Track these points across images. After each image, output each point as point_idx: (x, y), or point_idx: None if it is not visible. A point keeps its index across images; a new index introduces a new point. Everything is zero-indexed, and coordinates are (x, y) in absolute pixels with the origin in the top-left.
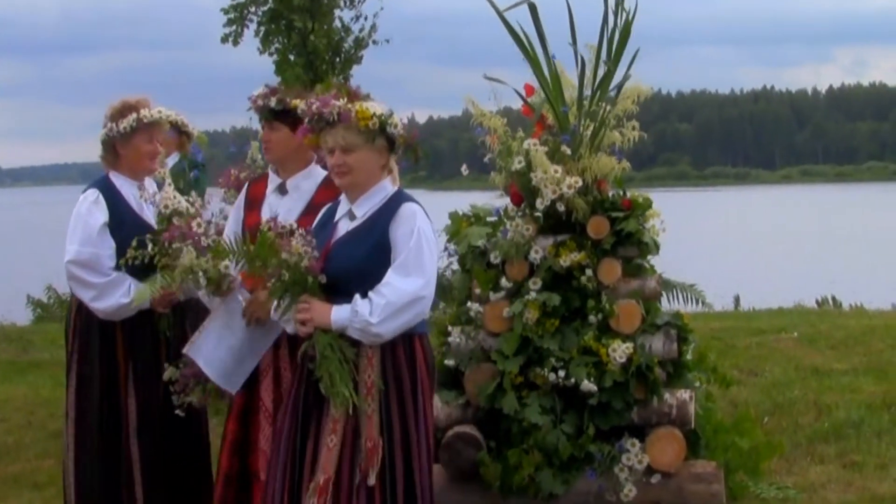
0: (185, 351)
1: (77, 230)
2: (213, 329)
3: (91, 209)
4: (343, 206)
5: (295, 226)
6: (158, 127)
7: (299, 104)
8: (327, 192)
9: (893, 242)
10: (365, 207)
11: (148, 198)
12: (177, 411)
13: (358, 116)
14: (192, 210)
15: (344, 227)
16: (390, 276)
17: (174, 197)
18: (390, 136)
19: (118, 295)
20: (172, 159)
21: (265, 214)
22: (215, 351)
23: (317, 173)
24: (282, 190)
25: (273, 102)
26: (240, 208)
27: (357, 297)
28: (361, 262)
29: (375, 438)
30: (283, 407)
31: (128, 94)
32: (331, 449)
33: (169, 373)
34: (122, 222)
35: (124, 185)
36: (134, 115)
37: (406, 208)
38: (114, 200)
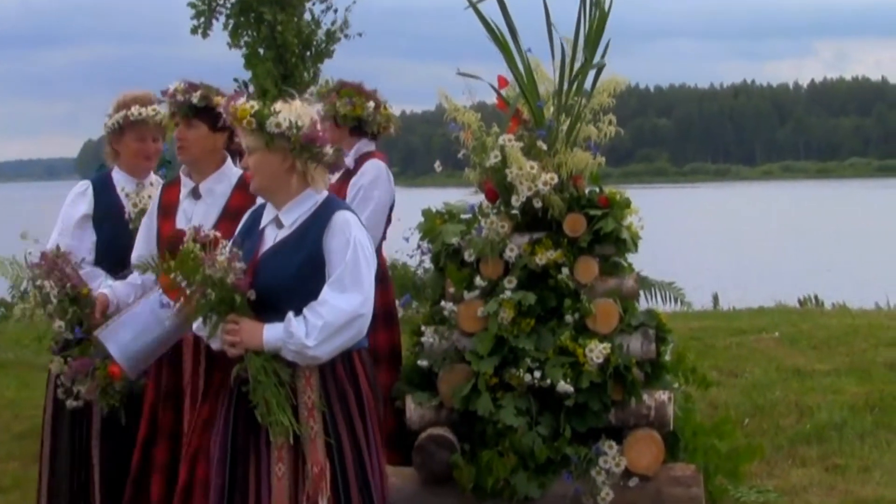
0: (96, 334)
1: (59, 221)
2: (133, 325)
3: (75, 201)
4: (269, 211)
5: (218, 235)
6: (147, 126)
7: (221, 102)
8: (242, 196)
9: (876, 240)
10: (294, 215)
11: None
12: (69, 403)
13: (237, 116)
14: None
15: (271, 235)
16: (327, 293)
17: (148, 197)
18: (288, 137)
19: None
20: None
21: (180, 222)
22: (131, 343)
23: (230, 175)
24: (195, 194)
25: (196, 98)
26: (153, 215)
27: (290, 315)
28: (292, 276)
29: (321, 463)
30: (215, 429)
31: (132, 89)
32: (280, 478)
33: (56, 366)
34: (107, 217)
35: (121, 181)
36: (123, 112)
37: (339, 217)
38: (105, 195)
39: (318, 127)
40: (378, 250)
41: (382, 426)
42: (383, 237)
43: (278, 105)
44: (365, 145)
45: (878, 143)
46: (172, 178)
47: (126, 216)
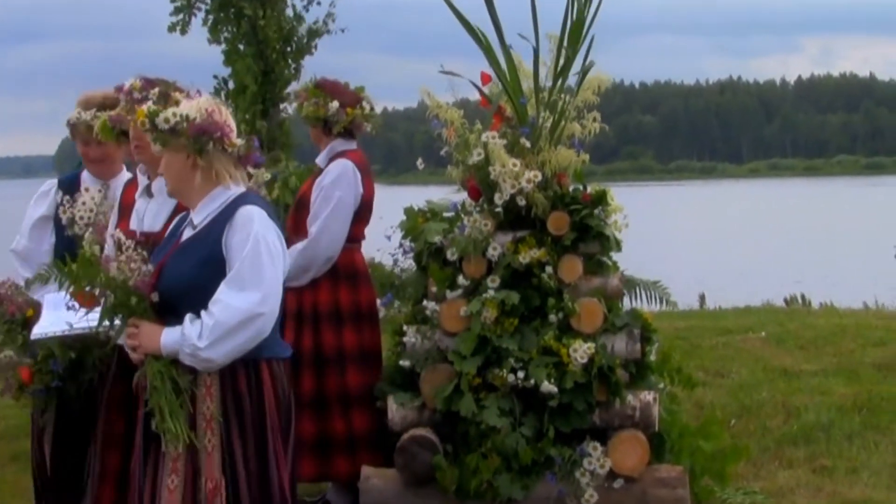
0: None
1: (24, 220)
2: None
3: (37, 201)
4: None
5: (124, 238)
6: (78, 130)
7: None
8: None
9: (864, 239)
10: (203, 214)
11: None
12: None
13: (136, 119)
14: (86, 219)
15: (186, 236)
16: (222, 291)
17: (83, 203)
18: (179, 132)
19: (42, 291)
20: None
21: (133, 221)
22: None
23: None
24: (148, 192)
25: (153, 96)
26: (114, 214)
27: (188, 317)
28: (191, 277)
29: (216, 478)
30: (136, 438)
31: (101, 87)
32: (172, 491)
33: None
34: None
35: (88, 182)
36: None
37: (242, 212)
38: (69, 195)
39: (216, 119)
40: (351, 250)
41: (298, 438)
42: (362, 236)
43: (183, 102)
44: (340, 144)
45: (866, 141)
46: (130, 179)
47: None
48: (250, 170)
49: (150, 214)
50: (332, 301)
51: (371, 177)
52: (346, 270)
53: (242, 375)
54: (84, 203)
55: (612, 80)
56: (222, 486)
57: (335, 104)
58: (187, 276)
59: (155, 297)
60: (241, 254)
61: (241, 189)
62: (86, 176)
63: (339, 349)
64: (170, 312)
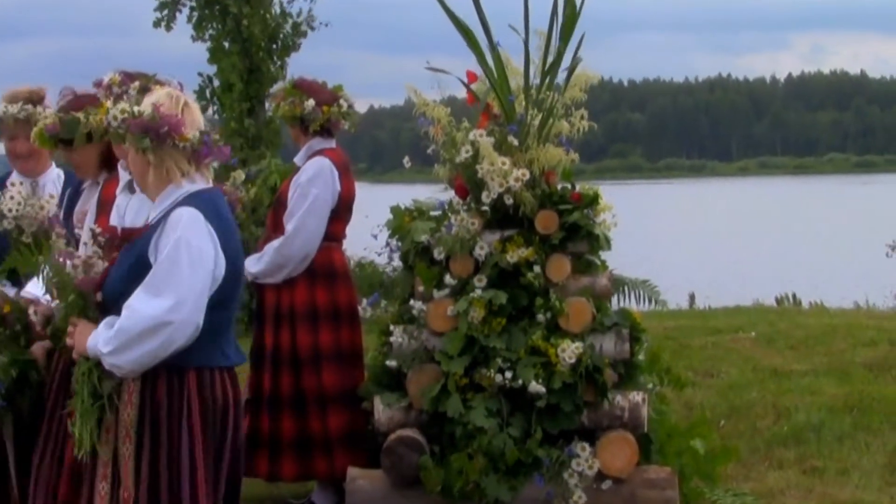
0: None
1: None
2: None
3: None
4: None
5: (96, 232)
6: (13, 124)
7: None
8: None
9: (855, 238)
10: (155, 213)
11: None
12: None
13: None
14: (14, 211)
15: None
16: (135, 295)
17: (10, 197)
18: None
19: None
20: None
21: (113, 217)
22: None
23: None
24: (130, 188)
25: (133, 90)
26: (93, 210)
27: (105, 321)
28: (120, 278)
29: (130, 490)
30: None
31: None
32: (103, 497)
33: None
34: None
35: (16, 179)
36: None
37: (173, 215)
38: None
39: (165, 113)
40: (329, 249)
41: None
42: (342, 235)
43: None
44: (318, 143)
45: (857, 139)
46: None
47: None
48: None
49: (132, 210)
50: (308, 300)
51: (351, 175)
52: (324, 269)
53: (163, 383)
54: (12, 197)
55: (599, 77)
56: (131, 498)
57: (311, 102)
58: (118, 277)
59: (99, 296)
60: (160, 258)
61: (196, 186)
62: (15, 174)
63: (315, 349)
64: (109, 313)
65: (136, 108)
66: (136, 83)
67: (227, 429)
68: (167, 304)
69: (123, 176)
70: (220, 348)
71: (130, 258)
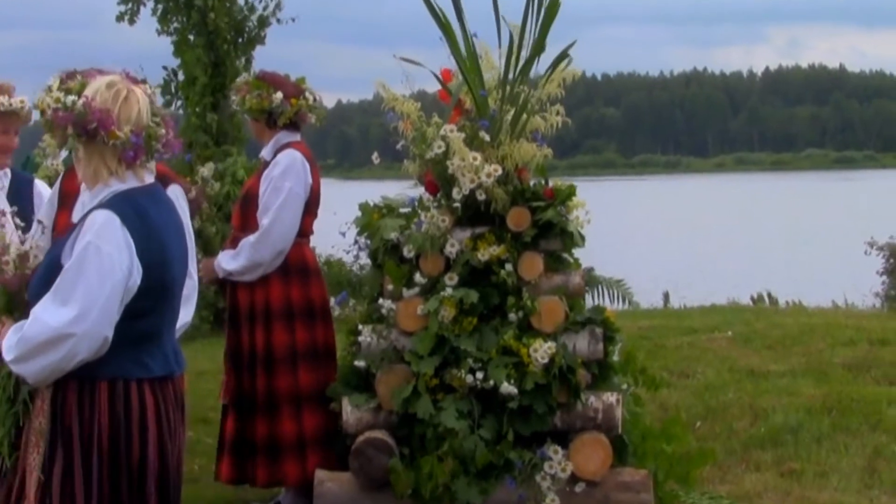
0: None
1: None
2: None
3: None
4: None
5: (46, 225)
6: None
7: None
8: None
9: (834, 235)
10: (79, 215)
11: None
12: None
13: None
14: None
15: None
16: (41, 303)
17: None
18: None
19: None
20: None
21: (77, 214)
22: None
23: None
24: None
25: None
26: (53, 203)
27: (15, 325)
28: (38, 281)
29: (31, 499)
30: None
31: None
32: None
33: None
34: None
35: None
36: None
37: (89, 217)
38: None
39: (98, 106)
40: (301, 245)
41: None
42: (311, 231)
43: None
44: (285, 136)
45: (836, 134)
46: (70, 165)
47: None
48: (204, 170)
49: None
50: (284, 297)
51: (318, 170)
52: (298, 266)
53: (74, 394)
54: None
55: (580, 73)
56: None
57: (279, 95)
58: (37, 278)
59: (24, 295)
60: (69, 263)
61: (125, 186)
62: None
63: (292, 347)
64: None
65: (69, 99)
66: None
67: (149, 445)
68: (70, 315)
69: None
70: (138, 360)
71: (48, 259)
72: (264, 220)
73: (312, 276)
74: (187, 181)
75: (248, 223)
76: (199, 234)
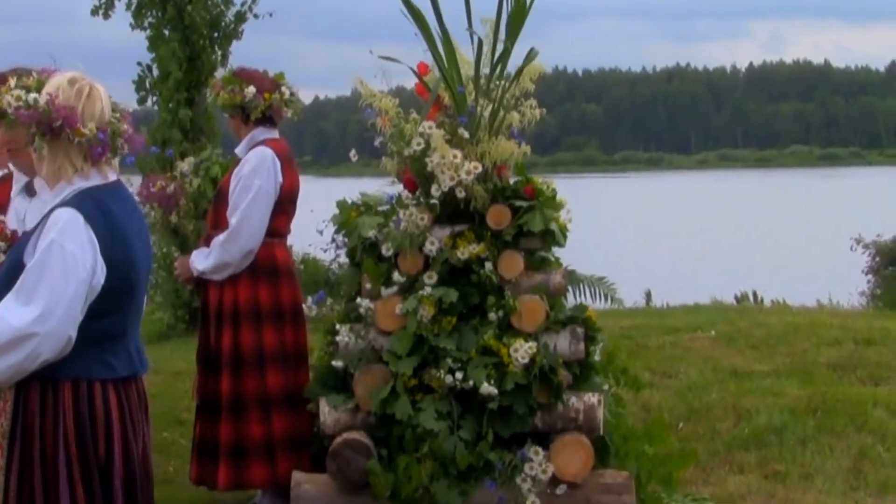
0: None
1: None
2: None
3: None
4: None
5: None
6: None
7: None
8: None
9: (819, 233)
10: (38, 213)
11: None
12: None
13: None
14: None
15: None
16: (3, 303)
17: None
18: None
19: None
20: None
21: (10, 222)
22: None
23: None
24: (29, 190)
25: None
26: None
27: None
28: (0, 282)
29: None
30: None
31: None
32: None
33: None
34: None
35: None
36: None
37: (53, 215)
38: None
39: (62, 104)
40: (272, 245)
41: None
42: (285, 231)
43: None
44: (260, 133)
45: (821, 131)
46: (4, 175)
47: None
48: (183, 165)
49: (32, 214)
50: (251, 299)
51: (294, 167)
52: (266, 266)
53: (36, 394)
54: None
55: (543, 69)
56: None
57: (251, 89)
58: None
59: None
60: (31, 262)
61: (89, 183)
62: None
63: (259, 349)
64: None
65: (31, 97)
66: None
67: (114, 445)
68: (33, 315)
69: (18, 177)
70: (102, 359)
71: (11, 259)
72: (232, 220)
73: (283, 277)
74: (166, 177)
75: (221, 222)
76: (175, 231)
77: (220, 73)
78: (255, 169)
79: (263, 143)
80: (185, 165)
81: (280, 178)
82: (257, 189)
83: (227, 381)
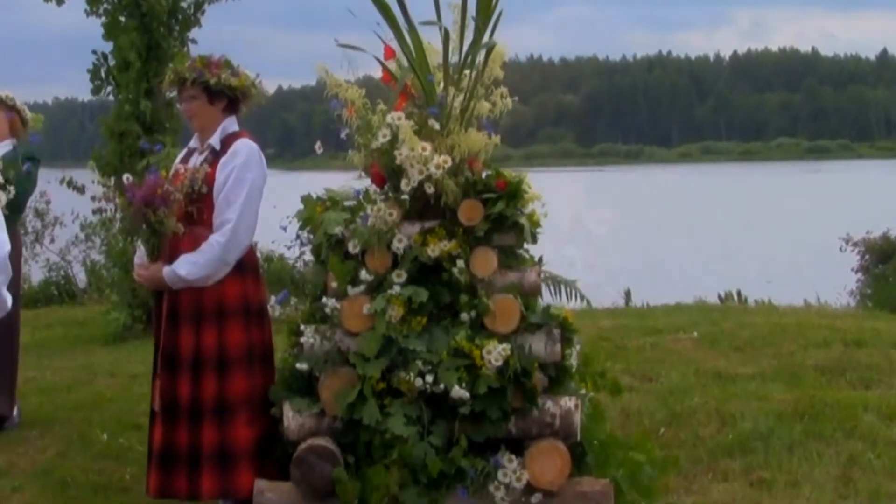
0: None
1: None
2: None
3: None
4: None
5: None
6: None
7: None
8: None
9: (806, 230)
10: None
11: None
12: None
13: None
14: None
15: None
16: None
17: None
18: None
19: None
20: (4, 146)
21: None
22: None
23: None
24: None
25: None
26: None
27: None
28: None
29: None
30: None
31: None
32: None
33: None
34: None
35: None
36: None
37: None
38: None
39: None
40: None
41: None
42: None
43: None
44: (230, 124)
45: (808, 122)
46: None
47: None
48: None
49: None
50: (216, 296)
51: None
52: (235, 264)
53: None
54: None
55: (506, 53)
56: None
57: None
58: None
59: None
60: None
61: None
62: None
63: (221, 350)
64: None
65: None
66: None
67: None
68: None
69: None
70: None
71: None
72: (230, 215)
73: (249, 273)
74: (161, 175)
75: (205, 217)
76: (155, 231)
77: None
78: (247, 162)
79: (239, 135)
80: (183, 167)
81: (265, 172)
82: (251, 184)
83: (186, 385)
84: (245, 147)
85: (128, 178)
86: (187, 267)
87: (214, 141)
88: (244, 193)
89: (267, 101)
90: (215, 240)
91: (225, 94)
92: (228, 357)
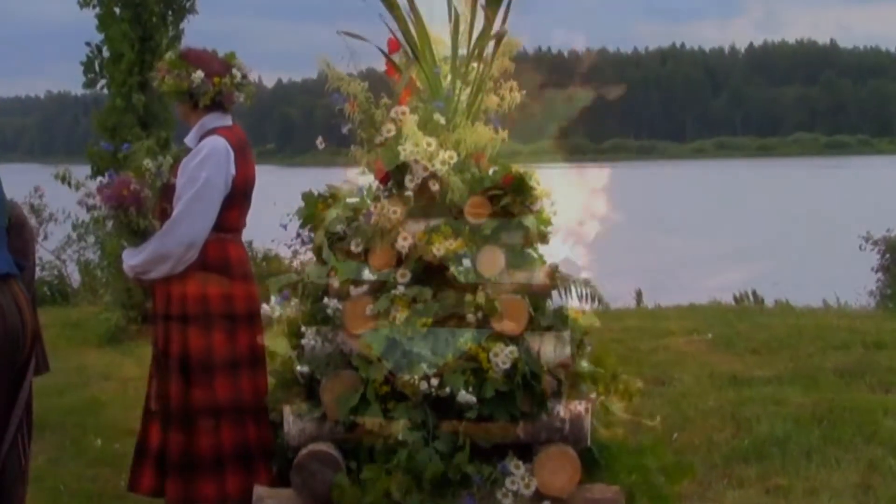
0: None
1: None
2: None
3: None
4: None
5: None
6: None
7: None
8: None
9: (825, 228)
10: None
11: None
12: None
13: None
14: None
15: None
16: None
17: None
18: None
19: None
20: None
21: None
22: None
23: None
24: None
25: None
26: None
27: None
28: None
29: None
30: None
31: None
32: None
33: None
34: None
35: None
36: None
37: None
38: None
39: None
40: (223, 241)
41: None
42: (239, 225)
43: None
44: (211, 120)
45: (826, 116)
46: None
47: None
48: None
49: None
50: (200, 299)
51: (250, 157)
52: (218, 264)
53: None
54: None
55: (520, 44)
56: None
57: (199, 74)
58: None
59: None
60: None
61: None
62: None
63: (207, 354)
64: None
65: None
66: None
67: None
68: None
69: None
70: None
71: None
72: (175, 210)
73: (236, 276)
74: (130, 176)
75: (168, 216)
76: (136, 231)
77: (168, 55)
78: (204, 160)
79: (215, 131)
80: (149, 162)
81: (232, 170)
82: (204, 181)
83: (177, 388)
84: (206, 146)
85: (100, 181)
86: (128, 257)
87: (190, 140)
88: (193, 190)
89: (256, 95)
90: (156, 232)
91: (173, 94)
92: (191, 362)
